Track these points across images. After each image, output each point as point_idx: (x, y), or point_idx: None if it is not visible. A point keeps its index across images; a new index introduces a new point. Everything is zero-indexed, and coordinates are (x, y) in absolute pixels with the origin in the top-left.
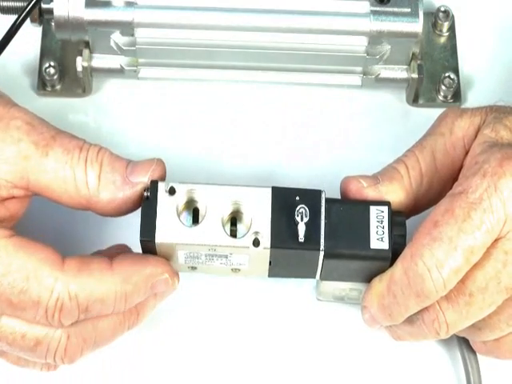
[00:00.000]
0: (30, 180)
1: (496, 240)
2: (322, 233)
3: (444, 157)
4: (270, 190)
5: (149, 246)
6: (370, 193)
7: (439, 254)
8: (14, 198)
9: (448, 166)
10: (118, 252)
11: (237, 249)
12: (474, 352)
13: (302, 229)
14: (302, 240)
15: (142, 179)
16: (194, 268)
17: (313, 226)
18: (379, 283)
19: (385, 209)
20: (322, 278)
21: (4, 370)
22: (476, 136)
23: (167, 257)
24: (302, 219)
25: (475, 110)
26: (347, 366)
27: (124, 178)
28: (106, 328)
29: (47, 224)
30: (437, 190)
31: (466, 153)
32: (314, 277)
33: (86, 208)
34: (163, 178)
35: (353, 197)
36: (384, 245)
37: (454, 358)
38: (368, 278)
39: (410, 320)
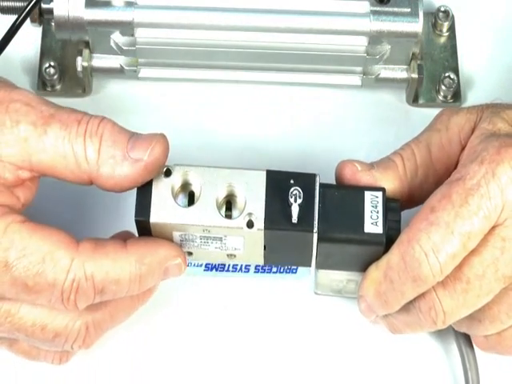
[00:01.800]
0: (32, 161)
1: (493, 227)
2: (315, 215)
3: (439, 151)
4: (264, 172)
5: (144, 227)
6: (364, 177)
7: (436, 239)
8: (22, 184)
9: (443, 161)
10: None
11: (231, 230)
12: (471, 347)
13: (295, 210)
14: (296, 221)
15: (142, 156)
16: (189, 254)
17: (307, 208)
18: (376, 270)
19: (379, 194)
20: (318, 265)
21: (4, 370)
22: (472, 132)
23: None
24: (295, 201)
25: (471, 107)
26: (344, 361)
27: (124, 153)
28: (122, 313)
29: (50, 214)
30: (432, 183)
31: (462, 149)
32: (310, 264)
33: (89, 183)
34: (166, 155)
35: (347, 181)
36: (378, 229)
37: (451, 354)
38: (363, 266)
39: (407, 309)
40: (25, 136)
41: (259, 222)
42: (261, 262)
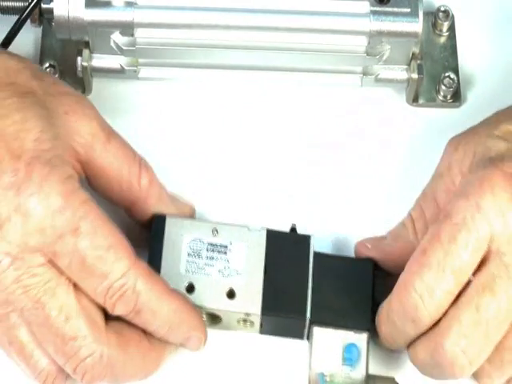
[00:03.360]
0: (91, 157)
1: (488, 259)
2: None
3: (445, 195)
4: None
5: (159, 224)
6: (377, 255)
7: (429, 280)
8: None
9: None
10: None
11: (236, 229)
12: None
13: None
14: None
15: (185, 211)
16: (191, 289)
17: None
18: (381, 311)
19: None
20: (313, 314)
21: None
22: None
23: (173, 254)
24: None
25: (470, 135)
26: None
27: (170, 197)
28: (131, 369)
29: None
30: None
31: None
32: (305, 311)
33: (129, 204)
34: None
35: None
36: None
37: None
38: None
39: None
40: (94, 133)
41: (263, 229)
42: (258, 309)
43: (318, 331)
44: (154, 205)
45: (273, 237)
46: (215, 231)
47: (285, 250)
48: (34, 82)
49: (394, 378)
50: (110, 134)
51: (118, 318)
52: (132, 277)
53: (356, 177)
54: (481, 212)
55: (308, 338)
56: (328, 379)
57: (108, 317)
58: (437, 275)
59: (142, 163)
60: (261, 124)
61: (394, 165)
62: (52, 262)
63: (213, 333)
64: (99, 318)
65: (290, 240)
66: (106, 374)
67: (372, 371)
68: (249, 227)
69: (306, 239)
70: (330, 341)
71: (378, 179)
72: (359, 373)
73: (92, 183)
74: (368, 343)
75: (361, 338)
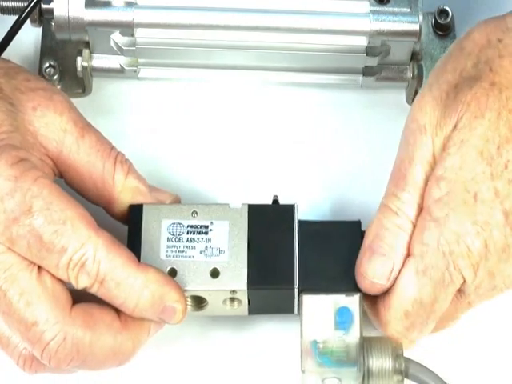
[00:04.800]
0: (61, 153)
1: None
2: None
3: (438, 189)
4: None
5: (136, 212)
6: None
7: (414, 335)
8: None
9: None
10: None
11: (217, 208)
12: None
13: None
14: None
15: (165, 199)
16: (173, 273)
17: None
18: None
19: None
20: (301, 280)
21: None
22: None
23: (152, 241)
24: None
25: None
26: None
27: (148, 189)
28: (100, 350)
29: None
30: None
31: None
32: (293, 283)
33: (104, 201)
34: None
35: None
36: None
37: None
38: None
39: None
40: (65, 128)
41: (244, 205)
42: (244, 285)
43: (308, 299)
44: (129, 199)
45: (255, 211)
46: (195, 213)
47: (268, 223)
48: (2, 80)
49: (389, 339)
50: (84, 129)
51: (95, 300)
52: (92, 246)
53: (355, 177)
54: (457, 269)
55: (299, 312)
56: (321, 346)
57: (81, 299)
58: (423, 328)
59: (117, 158)
60: (260, 124)
61: None
62: (11, 249)
63: (200, 314)
64: (64, 297)
65: (273, 212)
66: (73, 356)
67: (366, 334)
68: (229, 205)
69: (289, 209)
70: (320, 307)
71: (378, 179)
72: (353, 336)
73: (66, 180)
74: (361, 305)
75: (353, 301)
